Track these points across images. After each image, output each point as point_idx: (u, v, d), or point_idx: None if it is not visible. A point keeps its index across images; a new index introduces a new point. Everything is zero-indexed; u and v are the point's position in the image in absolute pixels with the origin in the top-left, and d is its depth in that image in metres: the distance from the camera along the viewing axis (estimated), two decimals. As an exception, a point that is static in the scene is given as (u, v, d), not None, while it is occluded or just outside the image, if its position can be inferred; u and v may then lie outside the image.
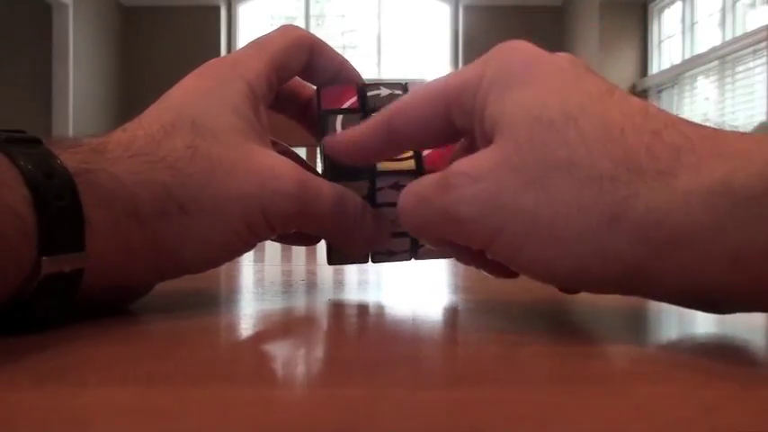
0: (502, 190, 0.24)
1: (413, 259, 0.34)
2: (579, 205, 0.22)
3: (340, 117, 0.32)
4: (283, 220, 0.29)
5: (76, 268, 0.25)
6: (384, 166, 0.31)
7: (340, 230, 0.31)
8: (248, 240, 0.29)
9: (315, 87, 0.34)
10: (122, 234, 0.26)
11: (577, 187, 0.22)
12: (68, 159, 0.25)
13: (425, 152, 0.31)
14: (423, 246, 0.33)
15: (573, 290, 0.26)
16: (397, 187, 0.31)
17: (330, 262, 0.33)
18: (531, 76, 0.25)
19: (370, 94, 0.33)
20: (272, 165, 0.29)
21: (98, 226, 0.25)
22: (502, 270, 0.28)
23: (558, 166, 0.23)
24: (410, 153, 0.30)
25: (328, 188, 0.30)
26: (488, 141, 0.25)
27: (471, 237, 0.25)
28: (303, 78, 0.34)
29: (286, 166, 0.29)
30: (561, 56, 0.26)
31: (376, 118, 0.28)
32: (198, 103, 0.29)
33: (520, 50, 0.26)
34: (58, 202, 0.24)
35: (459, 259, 0.30)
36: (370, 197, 0.31)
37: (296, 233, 0.33)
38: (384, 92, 0.33)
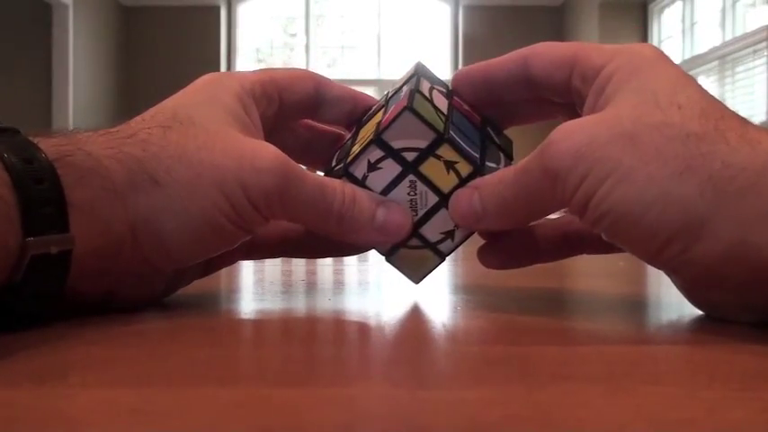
0: (594, 141, 0.25)
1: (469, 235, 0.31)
2: (661, 153, 0.25)
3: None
4: (266, 199, 0.28)
5: (63, 250, 0.25)
6: (350, 157, 0.30)
7: (331, 216, 0.29)
8: (234, 219, 0.28)
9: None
10: (102, 213, 0.26)
11: (664, 141, 0.25)
12: (46, 147, 0.26)
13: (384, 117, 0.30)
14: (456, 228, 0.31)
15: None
16: (375, 168, 0.30)
17: (416, 282, 0.32)
18: (650, 68, 0.28)
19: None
20: (252, 144, 0.28)
21: (80, 207, 0.25)
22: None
23: (652, 126, 0.25)
24: (370, 135, 0.30)
25: (313, 172, 0.30)
26: (591, 111, 0.28)
27: (562, 190, 0.26)
28: (320, 114, 0.34)
29: (267, 146, 0.28)
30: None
31: (515, 51, 0.31)
32: (182, 99, 0.30)
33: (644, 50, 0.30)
34: (38, 185, 0.24)
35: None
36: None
37: (310, 241, 0.32)
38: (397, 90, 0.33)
